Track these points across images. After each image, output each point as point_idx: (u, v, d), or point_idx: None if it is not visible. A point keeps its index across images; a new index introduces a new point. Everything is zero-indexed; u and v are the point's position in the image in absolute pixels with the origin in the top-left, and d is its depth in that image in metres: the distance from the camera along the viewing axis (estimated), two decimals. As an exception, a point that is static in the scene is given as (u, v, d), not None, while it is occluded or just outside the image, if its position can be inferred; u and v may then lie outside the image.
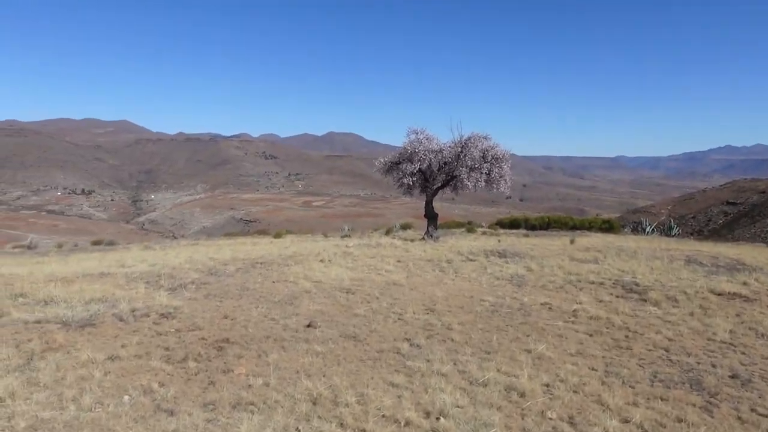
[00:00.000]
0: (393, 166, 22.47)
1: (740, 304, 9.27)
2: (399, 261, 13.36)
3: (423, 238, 21.21)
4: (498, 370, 6.04)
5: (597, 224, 41.84)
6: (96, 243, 23.68)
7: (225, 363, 5.84)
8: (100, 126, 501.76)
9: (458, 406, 4.98)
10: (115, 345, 6.20)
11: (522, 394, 5.35)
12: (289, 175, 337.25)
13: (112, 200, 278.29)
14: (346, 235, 28.60)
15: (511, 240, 24.36)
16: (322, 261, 12.82)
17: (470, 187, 20.86)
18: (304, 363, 5.93)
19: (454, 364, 6.21)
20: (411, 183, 21.90)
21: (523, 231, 34.24)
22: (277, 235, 24.88)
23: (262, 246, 18.59)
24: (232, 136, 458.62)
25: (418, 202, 24.06)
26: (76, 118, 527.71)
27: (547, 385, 5.66)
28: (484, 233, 31.73)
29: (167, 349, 6.18)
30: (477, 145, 21.09)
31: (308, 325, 7.40)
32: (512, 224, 44.45)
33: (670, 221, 41.39)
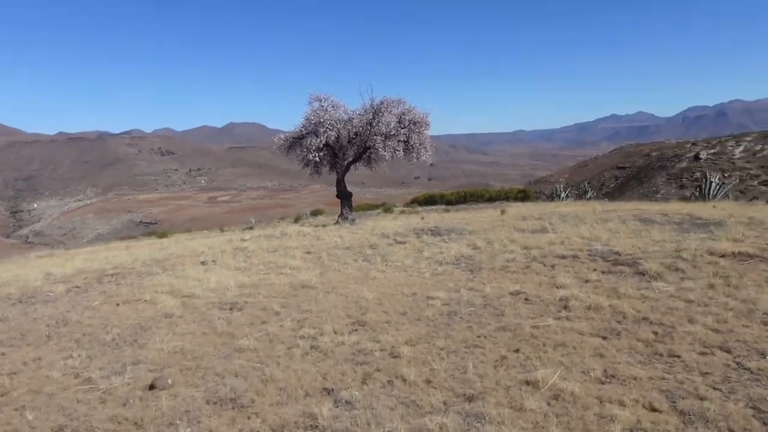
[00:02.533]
0: (295, 142, 19.16)
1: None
2: (309, 252, 10.22)
3: (337, 222, 18.20)
4: (505, 443, 3.19)
5: (512, 194, 40.85)
6: None
7: None
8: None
9: None
10: None
11: None
12: (190, 170, 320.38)
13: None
14: (248, 227, 24.98)
15: (435, 216, 22.02)
16: (203, 263, 9.41)
17: (387, 157, 18.06)
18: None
19: (421, 440, 3.28)
20: (318, 159, 18.77)
21: (442, 207, 32.35)
22: (162, 235, 20.84)
23: (135, 249, 14.70)
24: (122, 133, 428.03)
25: (329, 189, 20.65)
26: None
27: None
28: (402, 212, 29.35)
29: None
30: (390, 110, 18.30)
31: (151, 386, 4.16)
32: (428, 201, 42.59)
33: (584, 185, 41.27)
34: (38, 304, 7.23)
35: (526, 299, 6.31)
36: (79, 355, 5.02)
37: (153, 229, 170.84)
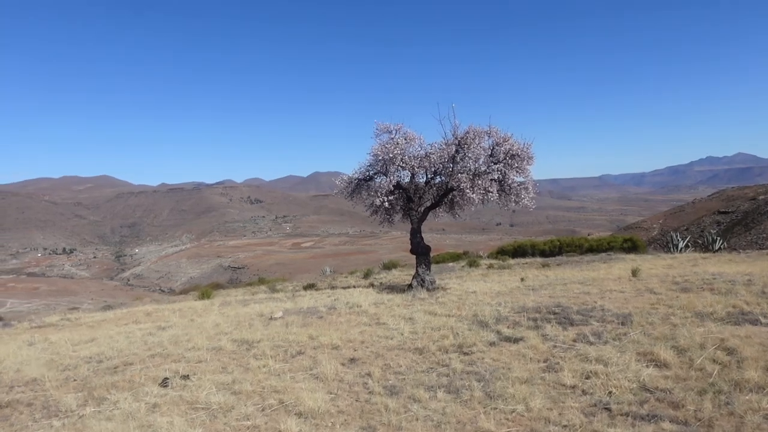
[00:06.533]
0: (361, 184, 15.29)
1: None
2: (352, 359, 5.98)
3: (410, 287, 13.87)
4: None
5: (617, 244, 34.75)
6: None
7: None
8: (79, 183, 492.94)
9: None
10: None
11: None
12: (276, 218, 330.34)
13: (94, 257, 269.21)
14: (310, 285, 21.23)
15: (536, 275, 17.30)
16: (164, 383, 5.35)
17: (477, 201, 13.66)
18: None
19: None
20: (389, 205, 14.78)
21: (537, 260, 27.28)
22: (204, 294, 17.41)
23: (142, 321, 11.09)
24: (216, 184, 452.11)
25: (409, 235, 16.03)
26: (55, 177, 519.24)
27: None
28: (491, 266, 24.65)
29: None
30: (479, 142, 14.04)
31: None
32: (517, 251, 37.41)
33: (711, 233, 34.45)
34: None
35: None
36: None
37: (241, 273, 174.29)
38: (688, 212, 79.08)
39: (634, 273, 13.85)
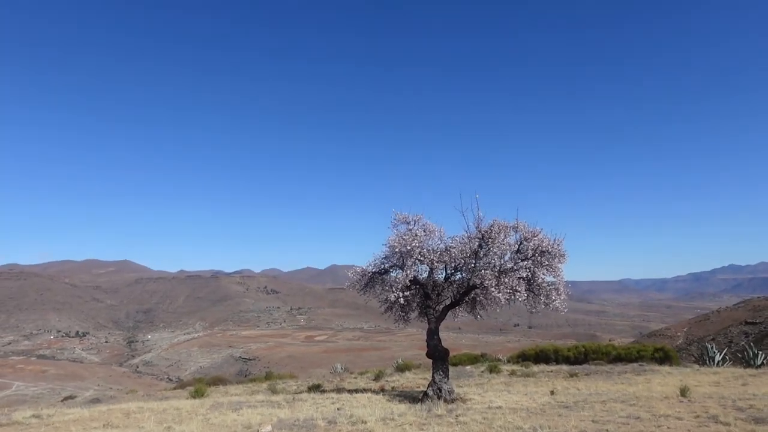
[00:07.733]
0: (375, 278, 14.11)
1: None
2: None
3: (425, 396, 12.22)
4: None
5: (647, 353, 32.37)
6: None
7: None
8: (101, 266, 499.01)
9: None
10: None
11: None
12: (291, 309, 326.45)
13: (106, 342, 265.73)
14: (315, 386, 19.42)
15: (566, 387, 15.61)
16: None
17: (502, 301, 12.31)
18: None
19: None
20: (404, 302, 13.51)
21: (562, 368, 25.16)
22: (197, 393, 15.80)
23: (113, 431, 9.62)
24: (234, 273, 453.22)
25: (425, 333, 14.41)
26: (78, 260, 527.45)
27: None
28: (513, 373, 22.67)
29: None
30: (504, 237, 12.97)
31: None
32: (539, 356, 35.04)
33: (750, 347, 31.94)
34: None
35: None
36: None
37: (252, 365, 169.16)
38: (714, 321, 75.73)
39: (683, 392, 12.08)
